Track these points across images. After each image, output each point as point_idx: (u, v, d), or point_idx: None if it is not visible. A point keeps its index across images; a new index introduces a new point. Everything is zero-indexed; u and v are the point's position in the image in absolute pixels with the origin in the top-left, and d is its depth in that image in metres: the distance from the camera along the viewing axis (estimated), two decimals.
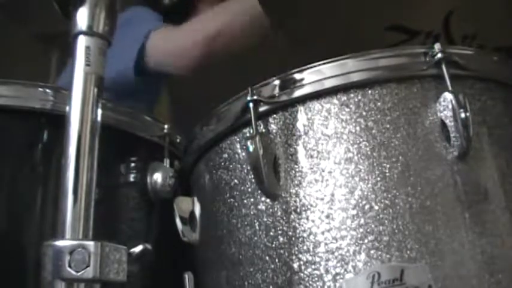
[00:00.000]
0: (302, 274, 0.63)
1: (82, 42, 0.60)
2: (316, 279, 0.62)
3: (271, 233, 0.66)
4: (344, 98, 0.67)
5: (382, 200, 0.62)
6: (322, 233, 0.63)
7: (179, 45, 1.19)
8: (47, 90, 0.79)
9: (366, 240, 0.61)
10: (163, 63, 1.21)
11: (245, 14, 1.13)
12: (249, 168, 0.69)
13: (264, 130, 0.69)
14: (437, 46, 0.67)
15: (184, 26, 1.25)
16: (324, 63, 0.69)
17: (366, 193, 0.63)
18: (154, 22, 1.31)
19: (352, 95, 0.67)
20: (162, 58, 1.21)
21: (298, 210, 0.65)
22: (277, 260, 0.65)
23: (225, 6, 1.21)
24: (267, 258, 0.66)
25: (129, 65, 1.20)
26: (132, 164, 0.86)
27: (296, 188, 0.66)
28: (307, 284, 0.62)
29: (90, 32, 0.60)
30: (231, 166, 0.73)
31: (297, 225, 0.65)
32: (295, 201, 0.66)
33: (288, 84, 0.70)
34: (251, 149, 0.66)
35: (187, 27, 1.24)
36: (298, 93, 0.69)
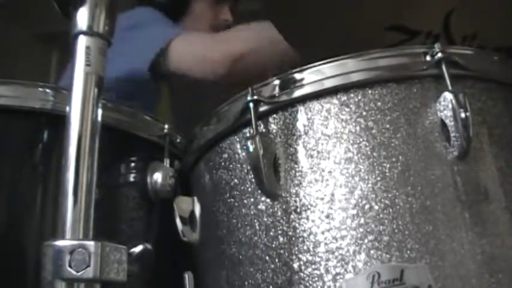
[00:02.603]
0: (302, 274, 0.63)
1: (82, 42, 0.60)
2: (316, 279, 0.62)
3: (271, 233, 0.66)
4: (344, 98, 0.67)
5: (382, 200, 0.62)
6: (322, 232, 0.63)
7: (203, 58, 1.19)
8: (47, 90, 0.79)
9: (366, 240, 0.61)
10: (184, 70, 1.22)
11: (272, 44, 1.11)
12: (249, 168, 0.69)
13: (264, 130, 0.69)
14: (437, 46, 0.67)
15: (209, 37, 1.25)
16: (324, 63, 0.69)
17: (366, 193, 0.63)
18: (171, 27, 1.31)
19: (352, 95, 0.67)
20: (184, 66, 1.22)
21: (298, 210, 0.65)
22: (277, 260, 0.65)
23: (255, 28, 1.19)
24: (267, 258, 0.66)
25: (143, 66, 1.20)
26: (132, 164, 0.86)
27: (296, 188, 0.66)
28: (307, 284, 0.62)
29: (90, 32, 0.60)
30: (231, 166, 0.73)
31: (297, 225, 0.65)
32: (295, 201, 0.66)
33: (288, 84, 0.70)
34: (251, 149, 0.66)
35: (213, 40, 1.23)
36: (298, 93, 0.69)
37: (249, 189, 0.70)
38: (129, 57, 1.19)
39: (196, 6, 1.43)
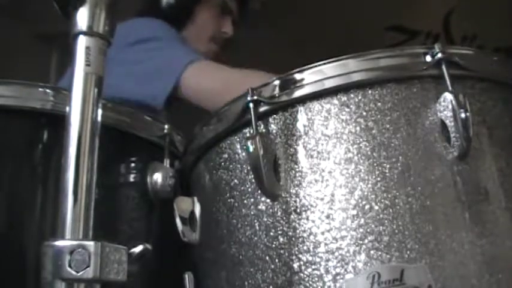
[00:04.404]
0: (302, 274, 0.63)
1: (82, 42, 0.60)
2: (316, 279, 0.62)
3: (271, 233, 0.66)
4: (344, 98, 0.67)
5: (382, 200, 0.62)
6: (322, 233, 0.63)
7: (216, 93, 1.17)
8: (47, 90, 0.79)
9: (366, 241, 0.61)
10: (194, 101, 1.21)
11: None
12: (249, 168, 0.69)
13: (264, 130, 0.69)
14: (437, 46, 0.67)
15: (226, 71, 1.23)
16: (324, 63, 0.69)
17: (366, 193, 0.63)
18: (183, 44, 1.30)
19: (352, 95, 0.67)
20: (195, 99, 1.21)
21: (298, 210, 0.65)
22: (277, 260, 0.65)
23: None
24: (267, 258, 0.66)
25: (160, 95, 1.19)
26: (132, 164, 0.86)
27: (296, 188, 0.66)
28: (307, 284, 0.62)
29: (90, 32, 0.60)
30: (231, 166, 0.73)
31: (297, 225, 0.65)
32: (295, 202, 0.66)
33: (288, 85, 0.70)
34: (251, 149, 0.66)
35: (229, 76, 1.21)
36: (298, 93, 0.69)
37: (249, 190, 0.70)
38: (142, 86, 1.18)
39: (199, 16, 1.42)
